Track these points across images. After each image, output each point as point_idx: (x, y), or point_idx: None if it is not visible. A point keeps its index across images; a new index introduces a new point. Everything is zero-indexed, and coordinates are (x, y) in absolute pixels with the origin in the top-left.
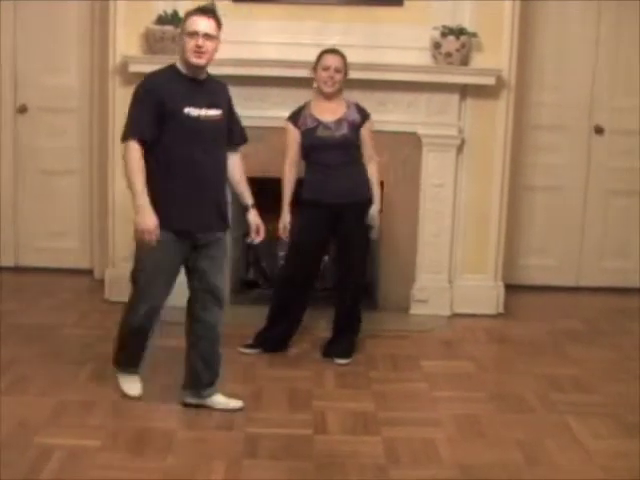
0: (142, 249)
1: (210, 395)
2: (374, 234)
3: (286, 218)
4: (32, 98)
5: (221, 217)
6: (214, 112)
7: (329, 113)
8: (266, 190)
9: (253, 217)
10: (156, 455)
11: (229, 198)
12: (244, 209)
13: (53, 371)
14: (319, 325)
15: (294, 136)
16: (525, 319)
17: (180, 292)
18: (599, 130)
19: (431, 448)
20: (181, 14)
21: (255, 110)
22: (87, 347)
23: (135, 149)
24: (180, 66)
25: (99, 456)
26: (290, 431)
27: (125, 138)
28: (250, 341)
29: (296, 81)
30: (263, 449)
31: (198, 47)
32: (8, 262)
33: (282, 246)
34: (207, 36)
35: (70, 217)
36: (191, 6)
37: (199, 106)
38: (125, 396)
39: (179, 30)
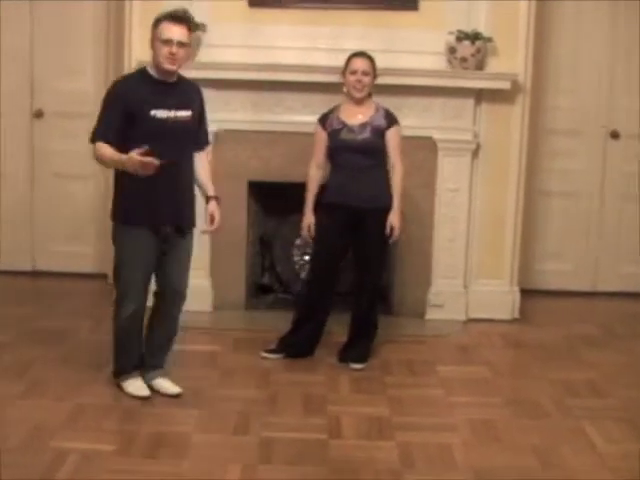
0: (119, 245)
1: (154, 378)
2: (392, 241)
3: (310, 218)
4: (48, 103)
5: (188, 214)
6: (183, 113)
7: (356, 116)
8: (283, 195)
9: (211, 207)
10: (171, 459)
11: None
12: (205, 200)
13: (69, 375)
14: (335, 330)
15: (321, 137)
16: (541, 324)
17: (199, 297)
18: (615, 135)
19: (446, 453)
20: (197, 19)
21: (271, 115)
22: (103, 351)
23: (103, 145)
24: (151, 70)
25: (114, 460)
26: (305, 436)
27: (92, 140)
28: (273, 346)
29: (313, 86)
30: (278, 454)
31: (172, 54)
32: (25, 266)
33: (297, 250)
34: (180, 44)
35: (85, 221)
36: (205, 9)
37: (168, 108)
38: (136, 398)
39: (153, 34)
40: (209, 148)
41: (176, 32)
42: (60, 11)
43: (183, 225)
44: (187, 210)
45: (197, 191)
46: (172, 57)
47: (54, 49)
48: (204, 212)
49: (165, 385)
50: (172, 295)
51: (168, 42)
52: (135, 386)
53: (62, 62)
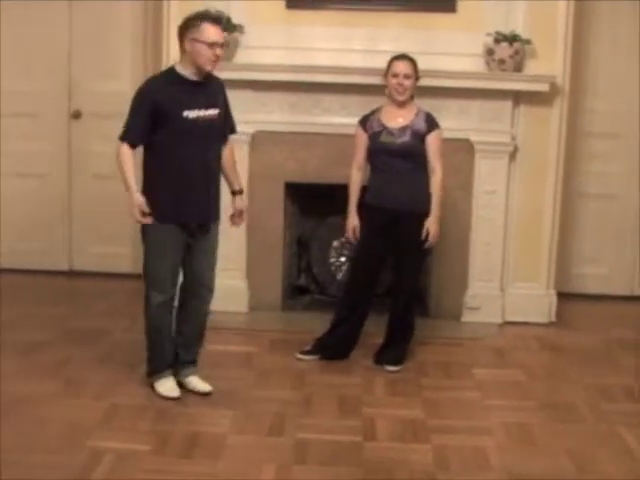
0: (147, 239)
1: (188, 375)
2: (428, 245)
3: (354, 221)
4: (86, 104)
5: (215, 210)
6: (212, 112)
7: (396, 119)
8: (320, 197)
9: (238, 201)
10: (206, 460)
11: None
12: (232, 194)
13: (105, 375)
14: (372, 331)
15: (362, 139)
16: (577, 328)
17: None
18: None
19: (481, 456)
20: (235, 20)
21: (308, 116)
22: (139, 351)
23: (126, 152)
24: (181, 69)
25: (149, 460)
26: (339, 437)
27: (121, 139)
28: (308, 347)
29: (349, 87)
30: (312, 455)
31: (216, 57)
32: (62, 266)
33: (334, 252)
34: (221, 45)
35: (122, 222)
36: (243, 11)
37: (198, 107)
38: (166, 399)
39: (191, 34)
40: (232, 137)
41: (219, 35)
42: (98, 12)
43: (209, 222)
44: (214, 206)
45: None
46: (216, 60)
47: (92, 50)
48: (229, 204)
49: (196, 383)
50: (200, 289)
51: (213, 45)
52: (166, 387)
53: (100, 63)
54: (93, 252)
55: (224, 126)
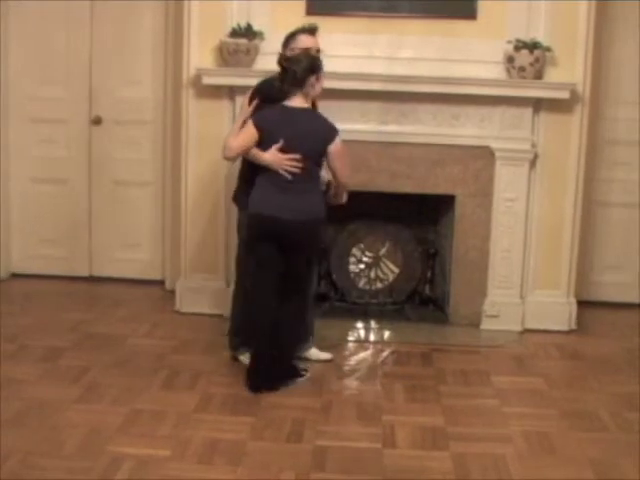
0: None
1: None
2: None
3: None
4: (106, 110)
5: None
6: None
7: None
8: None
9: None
10: (225, 466)
11: None
12: None
13: (125, 380)
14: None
15: None
16: (598, 336)
17: None
18: None
19: (501, 464)
20: (256, 27)
21: None
22: (158, 357)
23: None
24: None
25: (169, 466)
26: (359, 445)
27: None
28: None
29: (370, 94)
30: (332, 462)
31: None
32: (83, 272)
33: (354, 259)
34: (317, 51)
35: (143, 228)
36: (263, 18)
37: None
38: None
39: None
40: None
41: (313, 42)
42: (118, 18)
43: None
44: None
45: None
46: None
47: (113, 59)
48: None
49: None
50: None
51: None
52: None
53: (121, 71)
54: (113, 258)
55: None
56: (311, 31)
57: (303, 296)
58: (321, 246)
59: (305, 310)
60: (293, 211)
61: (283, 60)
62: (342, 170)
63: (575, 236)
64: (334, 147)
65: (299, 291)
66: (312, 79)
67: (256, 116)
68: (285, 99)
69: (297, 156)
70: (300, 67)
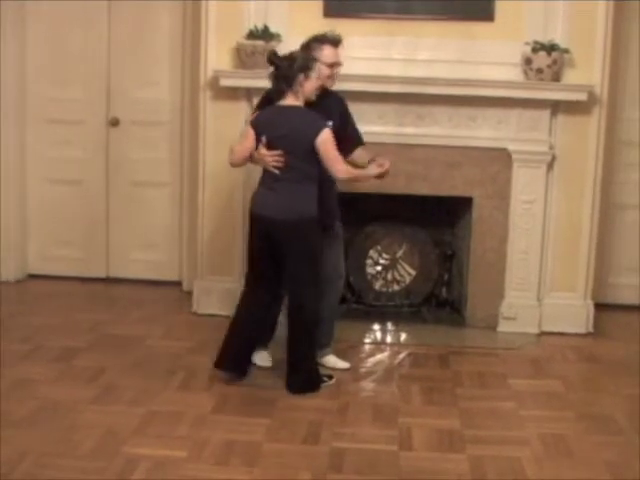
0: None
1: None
2: None
3: None
4: (124, 111)
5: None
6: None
7: None
8: (356, 206)
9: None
10: (242, 467)
11: None
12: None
13: (142, 381)
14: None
15: None
16: (615, 338)
17: None
18: None
19: (518, 467)
20: (273, 29)
21: None
22: (175, 358)
23: None
24: None
25: (185, 467)
26: (375, 447)
27: None
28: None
29: (387, 96)
30: (348, 464)
31: (334, 75)
32: (100, 273)
33: (371, 261)
34: (339, 64)
35: (159, 229)
36: (280, 20)
37: None
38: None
39: (311, 56)
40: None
41: (336, 55)
42: (136, 19)
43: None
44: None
45: None
46: (333, 77)
47: (131, 60)
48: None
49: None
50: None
51: (333, 65)
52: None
53: (138, 72)
54: (130, 259)
55: (346, 138)
56: (336, 43)
57: (312, 300)
58: (312, 248)
59: (316, 317)
60: (278, 209)
61: (273, 57)
62: (330, 163)
63: (592, 238)
64: (319, 140)
65: (302, 295)
66: (300, 78)
67: (252, 117)
68: (280, 99)
69: (279, 152)
70: (288, 65)
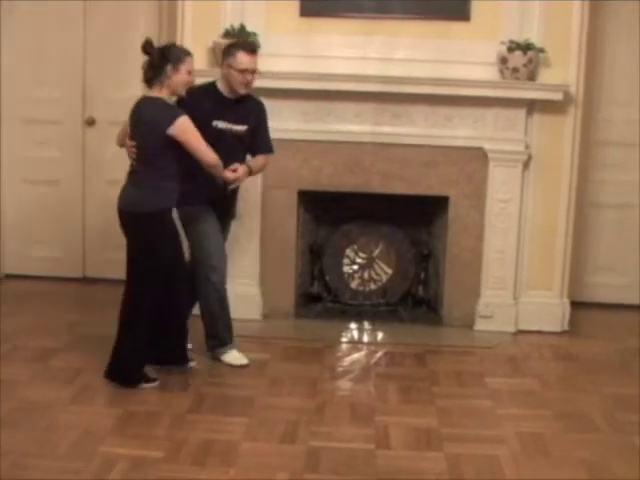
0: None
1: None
2: None
3: None
4: (100, 111)
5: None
6: (240, 127)
7: None
8: (333, 205)
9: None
10: (219, 467)
11: None
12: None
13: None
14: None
15: None
16: (591, 337)
17: (249, 306)
18: None
19: (495, 465)
20: (250, 28)
21: (322, 124)
22: None
23: None
24: (221, 87)
25: (163, 467)
26: (353, 446)
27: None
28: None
29: (364, 95)
30: (325, 463)
31: (248, 81)
32: (76, 273)
33: (348, 260)
34: (254, 71)
35: None
36: (258, 19)
37: (228, 121)
38: (235, 367)
39: (226, 60)
40: (268, 157)
41: (252, 62)
42: (112, 18)
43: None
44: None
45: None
46: (248, 84)
47: (106, 60)
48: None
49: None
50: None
51: (244, 71)
52: (231, 357)
53: (114, 72)
54: (106, 259)
55: (253, 142)
56: (251, 50)
57: (134, 295)
58: (149, 244)
59: (139, 313)
60: (124, 200)
61: (147, 46)
62: (193, 147)
63: (568, 237)
64: (174, 129)
65: (130, 293)
66: (168, 69)
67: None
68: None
69: (132, 143)
70: (159, 55)
